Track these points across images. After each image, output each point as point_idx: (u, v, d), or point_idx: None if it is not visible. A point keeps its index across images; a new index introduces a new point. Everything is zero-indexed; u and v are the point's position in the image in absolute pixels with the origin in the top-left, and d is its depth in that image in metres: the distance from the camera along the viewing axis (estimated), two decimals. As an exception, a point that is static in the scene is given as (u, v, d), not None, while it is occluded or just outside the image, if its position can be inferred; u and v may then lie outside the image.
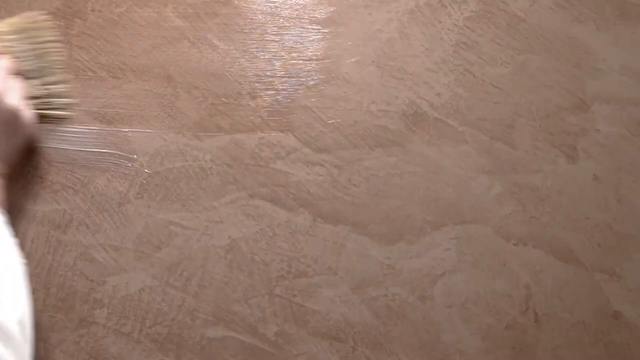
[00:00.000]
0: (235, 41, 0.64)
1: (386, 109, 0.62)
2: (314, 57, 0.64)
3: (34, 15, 0.61)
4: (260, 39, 0.64)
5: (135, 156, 0.63)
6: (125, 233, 0.61)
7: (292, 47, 0.64)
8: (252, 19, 0.64)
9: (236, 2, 0.64)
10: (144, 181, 0.62)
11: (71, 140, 0.64)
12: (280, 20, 0.64)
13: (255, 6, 0.64)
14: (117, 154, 0.63)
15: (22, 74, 0.59)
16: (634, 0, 0.60)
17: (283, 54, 0.64)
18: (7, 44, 0.59)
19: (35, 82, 0.60)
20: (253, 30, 0.64)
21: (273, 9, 0.64)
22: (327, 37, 0.64)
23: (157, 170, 0.63)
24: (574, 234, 0.59)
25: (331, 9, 0.64)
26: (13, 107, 0.55)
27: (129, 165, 0.63)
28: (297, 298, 0.60)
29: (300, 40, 0.64)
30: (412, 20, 0.62)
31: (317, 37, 0.64)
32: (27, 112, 0.57)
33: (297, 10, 0.64)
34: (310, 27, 0.64)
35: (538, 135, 0.60)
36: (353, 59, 0.63)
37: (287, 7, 0.64)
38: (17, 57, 0.59)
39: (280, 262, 0.60)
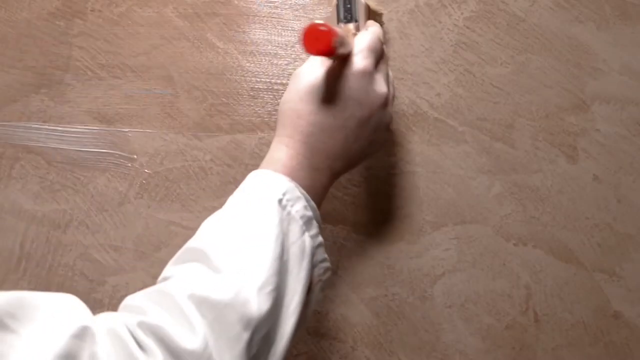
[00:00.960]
0: (235, 41, 0.64)
1: (386, 109, 0.62)
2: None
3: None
4: (260, 38, 0.64)
5: (135, 156, 0.63)
6: (125, 233, 0.61)
7: (292, 47, 0.64)
8: (252, 18, 0.64)
9: (236, 2, 0.64)
10: (144, 181, 0.62)
11: (71, 140, 0.64)
12: (280, 20, 0.64)
13: (255, 6, 0.64)
14: (117, 154, 0.63)
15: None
16: (634, 0, 0.60)
17: (283, 53, 0.64)
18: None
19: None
20: (253, 30, 0.64)
21: (273, 9, 0.64)
22: (327, 37, 0.64)
23: (157, 170, 0.63)
24: (574, 233, 0.59)
25: (331, 9, 0.64)
26: (391, 116, 0.50)
27: (129, 165, 0.63)
28: (297, 298, 0.59)
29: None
30: (412, 20, 0.62)
31: (317, 37, 0.64)
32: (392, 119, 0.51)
33: (297, 10, 0.64)
34: (310, 27, 0.64)
35: (538, 135, 0.60)
36: (353, 59, 0.63)
37: (287, 7, 0.64)
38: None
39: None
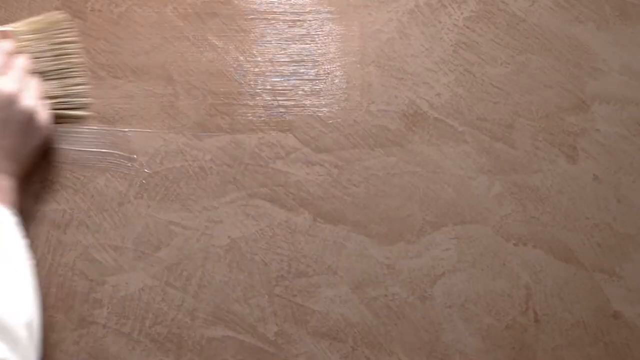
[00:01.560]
0: (235, 41, 0.64)
1: (386, 108, 0.62)
2: (314, 57, 0.64)
3: (53, 15, 0.60)
4: (260, 38, 0.64)
5: (135, 156, 0.63)
6: (125, 233, 0.61)
7: (291, 47, 0.64)
8: (252, 18, 0.64)
9: (236, 2, 0.64)
10: (144, 181, 0.62)
11: (71, 140, 0.64)
12: (280, 20, 0.64)
13: (255, 6, 0.64)
14: (117, 154, 0.63)
15: (39, 74, 0.59)
16: (634, 0, 0.60)
17: (283, 53, 0.64)
18: (26, 43, 0.59)
19: (53, 82, 0.60)
20: (253, 30, 0.64)
21: (273, 9, 0.64)
22: (327, 37, 0.64)
23: (157, 170, 0.63)
24: (574, 233, 0.59)
25: (331, 9, 0.64)
26: (29, 108, 0.55)
27: (129, 165, 0.63)
28: (297, 298, 0.60)
29: (300, 40, 0.64)
30: (412, 20, 0.62)
31: (316, 36, 0.64)
32: (43, 113, 0.57)
33: (296, 10, 0.64)
34: (310, 27, 0.64)
35: (538, 135, 0.60)
36: (353, 59, 0.63)
37: (286, 7, 0.64)
38: (35, 57, 0.59)
39: (280, 262, 0.60)
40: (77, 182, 0.63)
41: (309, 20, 0.64)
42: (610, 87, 0.60)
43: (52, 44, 0.60)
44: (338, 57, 0.63)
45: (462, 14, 0.61)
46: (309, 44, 0.64)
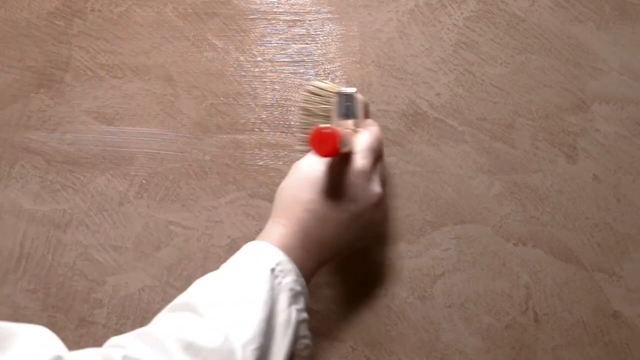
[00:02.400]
0: (235, 41, 0.64)
1: (386, 108, 0.62)
2: (314, 57, 0.64)
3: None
4: (260, 38, 0.64)
5: (135, 156, 0.63)
6: (125, 233, 0.61)
7: (291, 46, 0.64)
8: (252, 19, 0.64)
9: (236, 2, 0.64)
10: (143, 181, 0.62)
11: (71, 140, 0.64)
12: (280, 20, 0.64)
13: (255, 6, 0.64)
14: (117, 154, 0.63)
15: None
16: (634, 0, 0.60)
17: (283, 53, 0.64)
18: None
19: None
20: (253, 30, 0.64)
21: (273, 9, 0.64)
22: (327, 37, 0.64)
23: (157, 170, 0.63)
24: (574, 233, 0.59)
25: (331, 9, 0.64)
26: (385, 213, 0.52)
27: (129, 165, 0.63)
28: (297, 298, 0.60)
29: (300, 40, 0.64)
30: (411, 20, 0.62)
31: (316, 36, 0.64)
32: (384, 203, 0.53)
33: (296, 10, 0.64)
34: (309, 27, 0.64)
35: (538, 135, 0.60)
36: (353, 59, 0.63)
37: (286, 7, 0.64)
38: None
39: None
40: (77, 182, 0.63)
41: (309, 20, 0.64)
42: (610, 87, 0.60)
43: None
44: (338, 57, 0.63)
45: (462, 14, 0.61)
46: (309, 44, 0.64)
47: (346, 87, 0.56)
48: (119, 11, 0.65)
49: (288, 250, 0.47)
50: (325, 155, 0.47)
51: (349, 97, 0.55)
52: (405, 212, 0.61)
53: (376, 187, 0.51)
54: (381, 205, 0.52)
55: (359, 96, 0.56)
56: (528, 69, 0.61)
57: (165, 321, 0.41)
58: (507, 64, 0.61)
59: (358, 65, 0.63)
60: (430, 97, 0.62)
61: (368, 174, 0.50)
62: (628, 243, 0.59)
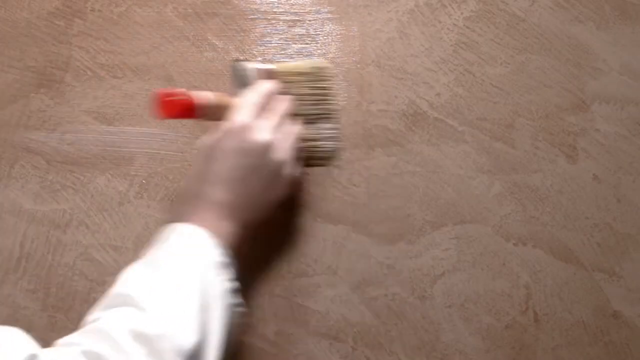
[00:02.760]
0: (235, 41, 0.64)
1: (386, 108, 0.62)
2: (314, 57, 0.64)
3: (317, 61, 0.60)
4: (260, 38, 0.64)
5: (135, 156, 0.63)
6: (125, 233, 0.61)
7: (291, 46, 0.64)
8: (252, 19, 0.64)
9: (236, 2, 0.64)
10: (143, 181, 0.62)
11: (71, 140, 0.64)
12: (280, 20, 0.64)
13: (255, 6, 0.64)
14: (117, 154, 0.63)
15: (298, 117, 0.57)
16: (634, 0, 0.60)
17: (283, 53, 0.64)
18: (289, 85, 0.57)
19: (308, 126, 0.58)
20: (253, 30, 0.64)
21: (273, 9, 0.64)
22: (327, 37, 0.64)
23: (157, 170, 0.63)
24: (574, 233, 0.59)
25: (331, 9, 0.64)
26: (280, 160, 0.52)
27: (129, 165, 0.63)
28: (297, 298, 0.60)
29: (300, 40, 0.64)
30: (411, 20, 0.62)
31: (316, 36, 0.64)
32: (293, 167, 0.55)
33: (296, 10, 0.64)
34: (309, 27, 0.64)
35: (538, 135, 0.60)
36: (353, 59, 0.63)
37: (286, 7, 0.64)
38: (297, 100, 0.57)
39: (280, 262, 0.60)
40: (77, 182, 0.63)
41: (309, 20, 0.64)
42: (610, 87, 0.60)
43: (314, 87, 0.58)
44: (338, 57, 0.63)
45: (462, 14, 0.61)
46: (309, 44, 0.64)
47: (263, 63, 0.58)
48: (119, 11, 0.65)
49: (208, 226, 0.49)
50: (167, 116, 0.50)
51: (240, 68, 0.56)
52: (405, 212, 0.61)
53: (260, 136, 0.51)
54: (271, 152, 0.52)
55: (254, 65, 0.57)
56: (528, 69, 0.61)
57: (110, 317, 0.43)
58: (507, 64, 0.61)
59: (358, 65, 0.63)
60: (430, 97, 0.62)
61: (245, 127, 0.51)
62: (628, 243, 0.59)
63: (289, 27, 0.64)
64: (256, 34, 0.64)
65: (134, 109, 0.64)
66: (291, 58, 0.64)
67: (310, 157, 0.59)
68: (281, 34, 0.64)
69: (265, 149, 0.52)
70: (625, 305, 0.58)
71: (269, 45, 0.64)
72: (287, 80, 0.57)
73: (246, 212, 0.52)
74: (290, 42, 0.64)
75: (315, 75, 0.59)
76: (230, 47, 0.64)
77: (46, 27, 0.65)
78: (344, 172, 0.62)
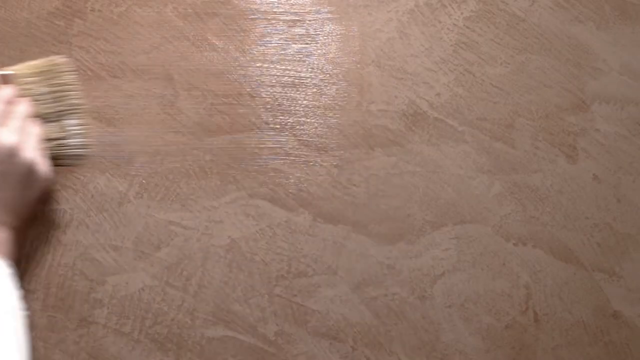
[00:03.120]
0: (235, 41, 0.64)
1: (386, 108, 0.62)
2: (314, 57, 0.64)
3: (53, 58, 0.60)
4: (260, 38, 0.64)
5: (135, 156, 0.63)
6: (125, 233, 0.61)
7: (291, 46, 0.64)
8: (252, 19, 0.64)
9: (236, 2, 0.64)
10: (143, 181, 0.62)
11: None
12: (280, 20, 0.64)
13: (255, 6, 0.64)
14: (117, 154, 0.63)
15: (40, 117, 0.58)
16: (634, 0, 0.60)
17: (282, 53, 0.64)
18: (26, 86, 0.58)
19: (53, 125, 0.59)
20: (253, 30, 0.64)
21: (273, 9, 0.64)
22: (327, 36, 0.64)
23: (157, 170, 0.63)
24: (574, 233, 0.59)
25: (331, 9, 0.64)
26: (29, 160, 0.54)
27: (129, 165, 0.63)
28: (297, 298, 0.60)
29: (300, 40, 0.64)
30: (411, 20, 0.62)
31: (316, 37, 0.64)
32: (43, 164, 0.56)
33: (296, 10, 0.64)
34: (309, 27, 0.64)
35: (538, 135, 0.60)
36: (353, 59, 0.63)
37: (286, 7, 0.64)
38: (36, 100, 0.58)
39: (280, 262, 0.60)
40: (77, 182, 0.63)
41: (309, 20, 0.64)
42: (610, 87, 0.60)
43: (51, 85, 0.59)
44: (338, 57, 0.63)
45: (462, 14, 0.61)
46: (309, 44, 0.64)
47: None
48: (119, 11, 0.65)
49: None
50: None
51: None
52: (405, 212, 0.61)
53: (5, 140, 0.53)
54: (15, 155, 0.53)
55: None
56: (528, 69, 0.61)
57: None
58: (507, 64, 0.61)
59: (358, 65, 0.63)
60: (430, 97, 0.62)
61: None
62: (628, 243, 0.59)
63: (289, 27, 0.64)
64: (256, 34, 0.64)
65: (134, 109, 0.64)
66: (291, 58, 0.64)
67: (58, 155, 0.59)
68: (281, 34, 0.64)
69: (12, 152, 0.53)
70: (625, 305, 0.58)
71: (269, 45, 0.64)
72: (24, 82, 0.58)
73: (9, 216, 0.54)
74: (290, 42, 0.64)
75: (51, 73, 0.59)
76: (230, 47, 0.64)
77: (46, 27, 0.65)
78: (344, 172, 0.62)
